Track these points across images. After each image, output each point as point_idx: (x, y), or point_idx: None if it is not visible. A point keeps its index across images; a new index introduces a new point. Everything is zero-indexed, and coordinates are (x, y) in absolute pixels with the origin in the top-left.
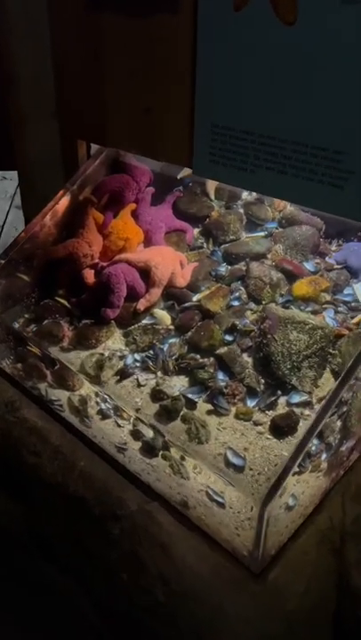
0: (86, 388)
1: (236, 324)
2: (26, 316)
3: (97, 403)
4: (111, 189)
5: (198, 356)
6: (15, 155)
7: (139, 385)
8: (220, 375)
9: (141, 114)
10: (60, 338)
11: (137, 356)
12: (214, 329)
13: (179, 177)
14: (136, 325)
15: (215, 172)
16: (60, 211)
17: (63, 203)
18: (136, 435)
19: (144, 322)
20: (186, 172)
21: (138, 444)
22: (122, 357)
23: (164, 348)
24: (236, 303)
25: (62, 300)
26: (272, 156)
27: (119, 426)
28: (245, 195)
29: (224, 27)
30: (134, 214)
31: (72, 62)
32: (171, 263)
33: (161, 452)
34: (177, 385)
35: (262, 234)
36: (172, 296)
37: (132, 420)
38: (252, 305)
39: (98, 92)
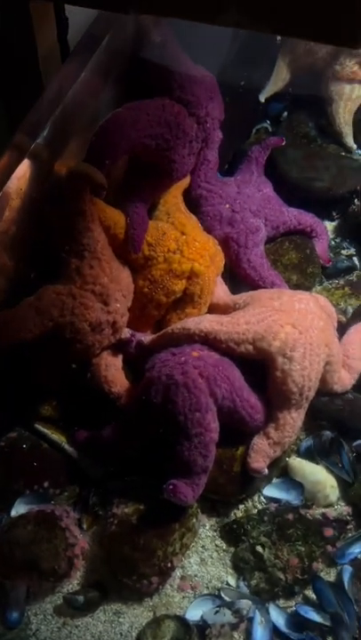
0: None
1: None
2: None
3: None
4: (139, 141)
5: None
6: None
7: None
8: None
9: None
10: (61, 572)
11: (276, 613)
12: None
13: (263, 98)
14: (253, 509)
15: None
16: (10, 205)
17: (15, 184)
18: None
19: (269, 494)
20: (277, 84)
21: None
22: (234, 626)
23: (350, 594)
24: None
25: (53, 434)
26: None
27: None
28: None
29: None
30: (191, 199)
31: None
32: (319, 336)
33: None
34: None
35: None
36: (331, 419)
37: None
38: None
39: None
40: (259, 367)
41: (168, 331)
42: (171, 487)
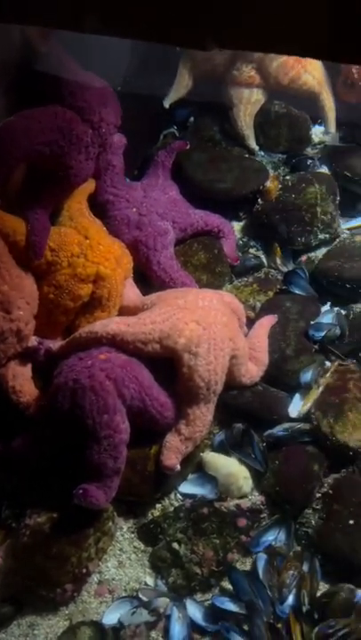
0: None
1: None
2: None
3: None
4: (33, 149)
5: None
6: None
7: None
8: None
9: None
10: None
11: (193, 607)
12: None
13: (167, 104)
14: (170, 507)
15: None
16: None
17: None
18: None
19: (184, 490)
20: (180, 91)
21: None
22: (152, 625)
23: (264, 581)
24: None
25: None
26: None
27: None
28: (321, 133)
29: None
30: (98, 204)
31: None
32: (223, 330)
33: None
34: None
35: None
36: (241, 411)
37: None
38: None
39: None
40: (168, 366)
41: (76, 335)
42: (81, 492)
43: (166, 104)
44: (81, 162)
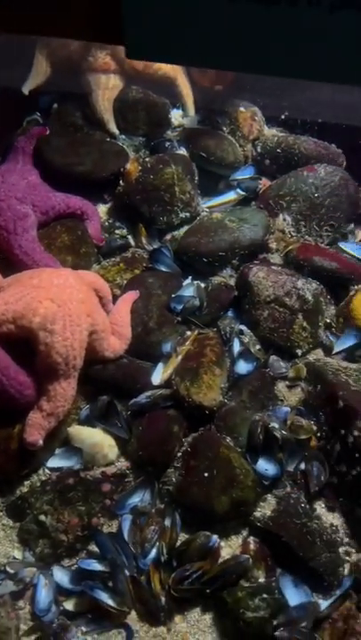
0: None
1: (277, 437)
2: None
3: None
4: None
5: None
6: None
7: None
8: None
9: None
10: None
11: (60, 573)
12: (231, 457)
13: (26, 91)
14: (38, 482)
15: None
16: None
17: None
18: None
19: (52, 464)
20: (38, 78)
21: None
22: (18, 595)
23: (127, 539)
24: (243, 369)
25: None
26: None
27: None
28: (180, 117)
29: None
30: None
31: None
32: (79, 307)
33: None
34: None
35: (235, 196)
36: (106, 384)
37: None
38: (280, 363)
39: None
40: (26, 344)
41: None
42: None
43: (25, 90)
44: None
